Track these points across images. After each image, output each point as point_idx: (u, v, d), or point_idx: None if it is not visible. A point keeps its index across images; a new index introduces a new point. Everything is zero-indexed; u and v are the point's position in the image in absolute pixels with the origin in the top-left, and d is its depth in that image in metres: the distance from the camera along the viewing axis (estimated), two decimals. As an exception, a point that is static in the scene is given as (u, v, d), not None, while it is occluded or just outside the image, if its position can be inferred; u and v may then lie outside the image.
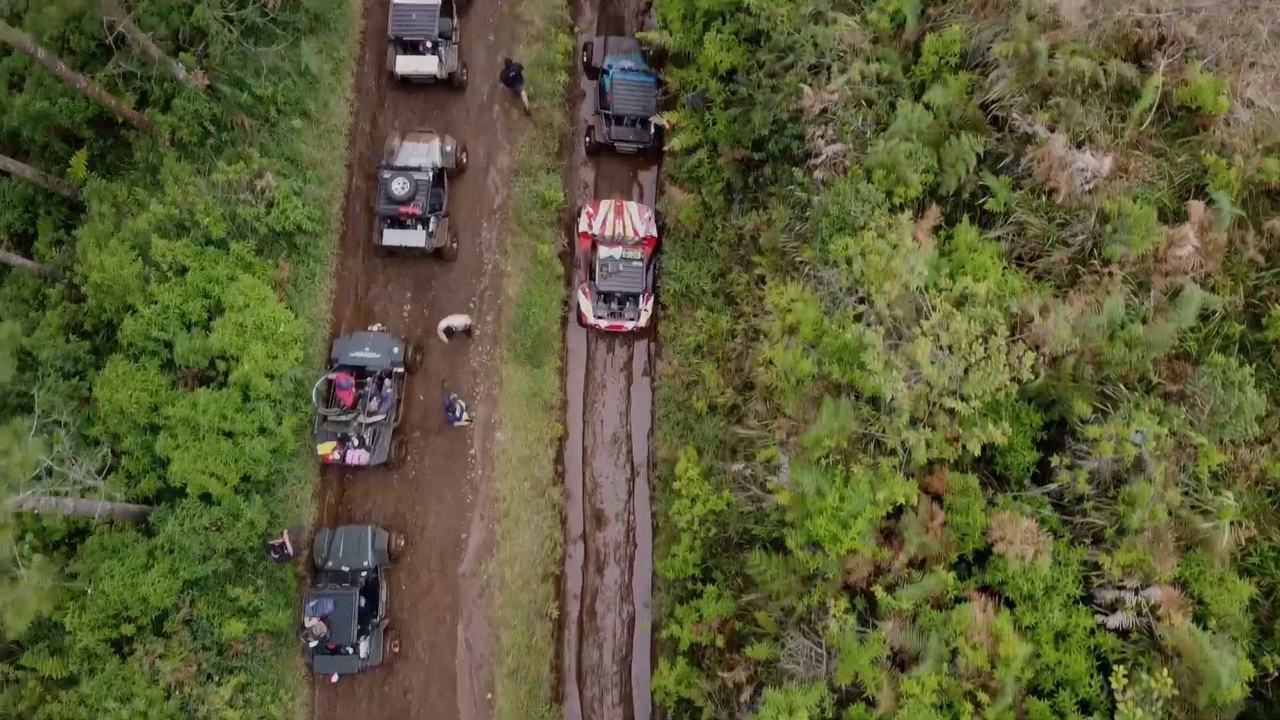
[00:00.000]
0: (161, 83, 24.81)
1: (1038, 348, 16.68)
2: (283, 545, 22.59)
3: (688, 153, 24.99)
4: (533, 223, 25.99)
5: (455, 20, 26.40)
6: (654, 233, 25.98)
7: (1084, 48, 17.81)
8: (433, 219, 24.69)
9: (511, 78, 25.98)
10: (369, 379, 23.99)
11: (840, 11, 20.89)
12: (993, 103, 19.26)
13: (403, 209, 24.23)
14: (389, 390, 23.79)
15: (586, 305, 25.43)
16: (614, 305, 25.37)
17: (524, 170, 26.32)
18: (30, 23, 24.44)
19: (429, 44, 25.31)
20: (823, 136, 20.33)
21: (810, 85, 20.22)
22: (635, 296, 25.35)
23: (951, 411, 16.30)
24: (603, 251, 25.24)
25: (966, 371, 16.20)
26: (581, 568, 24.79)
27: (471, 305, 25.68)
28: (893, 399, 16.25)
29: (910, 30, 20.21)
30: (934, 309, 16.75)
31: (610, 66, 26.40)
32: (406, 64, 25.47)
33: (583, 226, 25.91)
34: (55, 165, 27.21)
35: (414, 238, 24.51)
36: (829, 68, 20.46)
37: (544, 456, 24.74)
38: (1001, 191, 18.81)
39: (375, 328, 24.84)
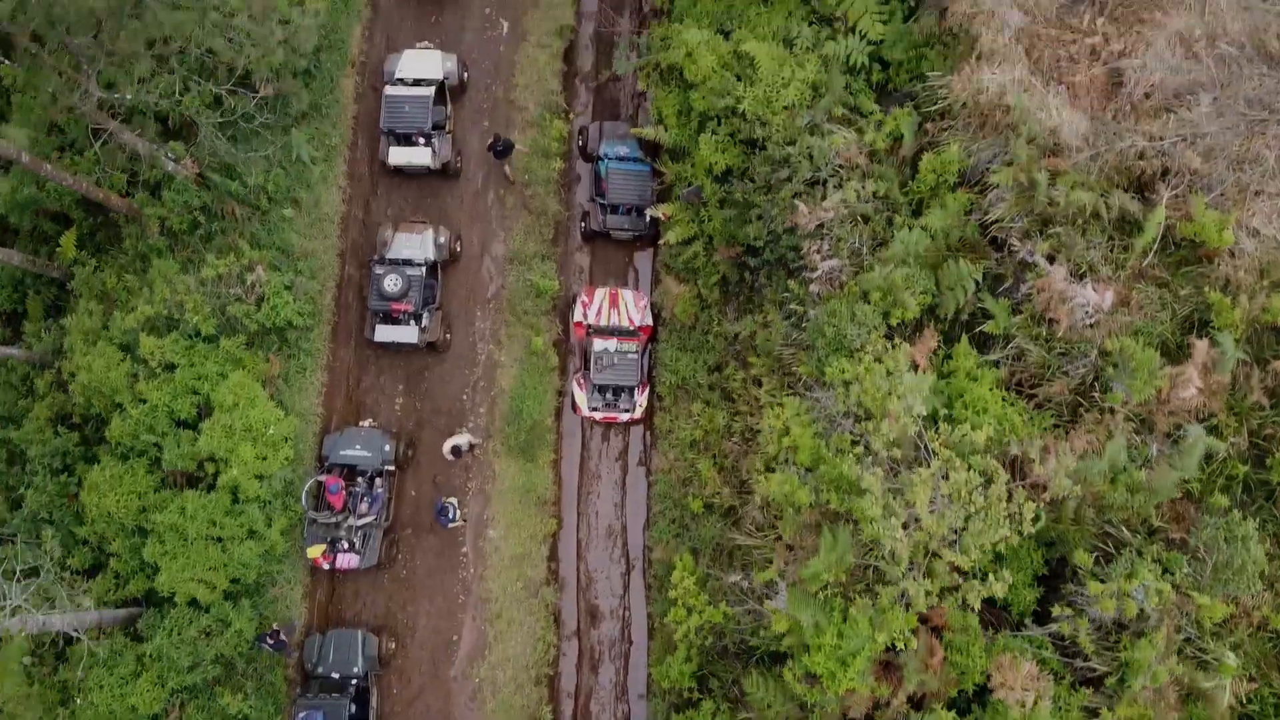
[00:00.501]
0: (151, 169, 24.51)
1: (1037, 489, 16.44)
2: (277, 633, 22.35)
3: (683, 244, 24.74)
4: (527, 312, 25.71)
5: (449, 107, 26.11)
6: (649, 321, 25.72)
7: (1085, 178, 17.60)
8: (425, 314, 24.39)
9: (499, 150, 25.77)
10: (359, 478, 23.68)
11: (837, 123, 20.65)
12: (992, 223, 19.02)
13: (395, 306, 23.94)
14: (380, 490, 23.49)
15: (581, 397, 25.16)
16: (609, 396, 25.10)
17: (519, 258, 26.04)
18: (18, 119, 24.14)
19: (422, 137, 25.00)
20: (818, 251, 20.09)
21: (806, 201, 19.97)
22: (631, 388, 25.08)
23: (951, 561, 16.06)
24: (597, 344, 24.97)
25: (967, 520, 15.95)
26: (576, 666, 24.50)
27: (464, 397, 25.39)
28: (892, 549, 16.00)
29: (908, 146, 19.98)
30: (934, 453, 16.50)
31: (606, 154, 26.14)
32: (399, 155, 25.17)
33: (577, 316, 25.66)
34: (44, 245, 26.92)
35: (406, 334, 24.22)
36: (824, 182, 20.22)
37: (537, 554, 24.44)
38: (1001, 316, 18.58)
39: (366, 423, 24.55)
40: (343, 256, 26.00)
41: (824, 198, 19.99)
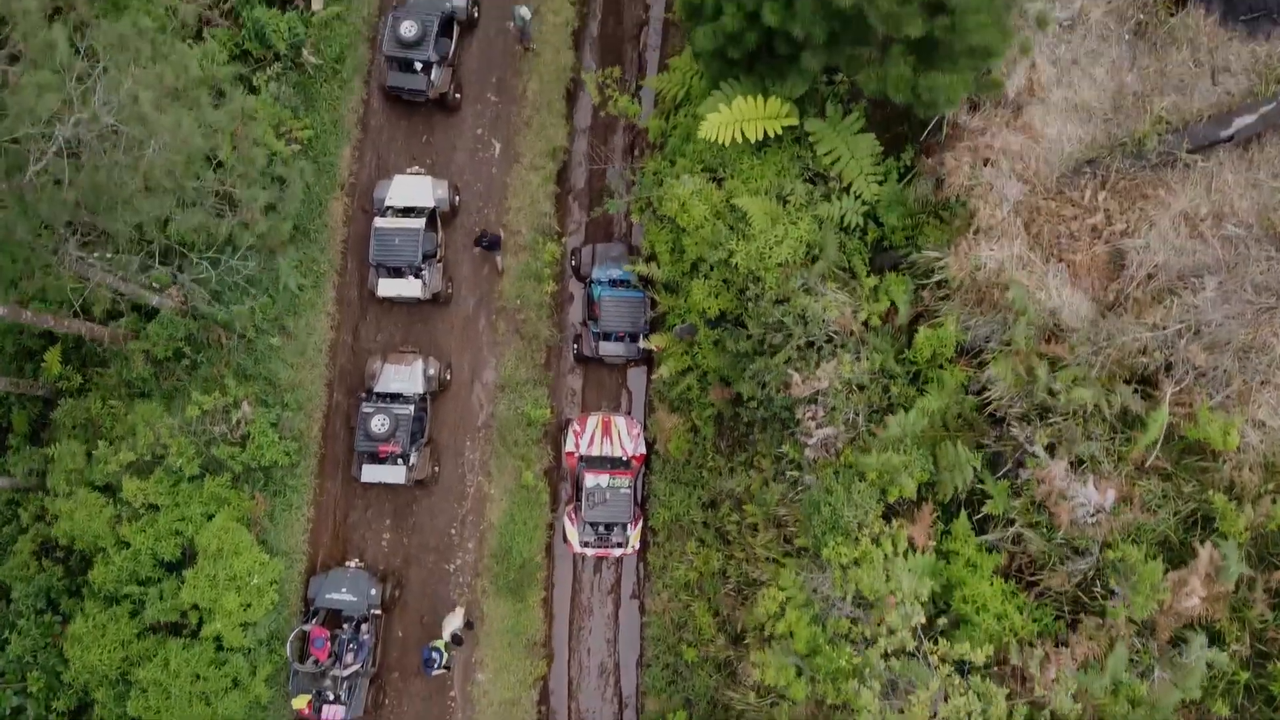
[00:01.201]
0: (133, 303, 24.13)
1: (1038, 706, 15.98)
2: None
3: (678, 375, 24.30)
4: (517, 442, 25.26)
5: (440, 234, 25.69)
6: (643, 450, 25.28)
7: (1085, 374, 17.14)
8: (413, 453, 23.95)
9: (486, 245, 25.47)
10: (345, 624, 23.23)
11: (831, 284, 20.21)
12: (991, 401, 18.57)
13: (382, 447, 23.49)
14: (365, 636, 23.03)
15: (572, 532, 24.69)
16: (601, 531, 24.63)
17: (510, 385, 25.60)
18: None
19: (412, 271, 24.58)
20: (813, 418, 19.64)
21: (800, 369, 19.52)
22: (623, 524, 24.62)
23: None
24: (589, 479, 24.51)
25: (965, 742, 15.50)
26: (566, 810, 24.08)
27: (453, 531, 24.94)
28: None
29: (903, 315, 19.53)
30: (934, 665, 16.05)
31: (598, 278, 25.71)
32: (389, 288, 24.71)
33: (568, 446, 25.21)
34: (29, 361, 26.54)
35: (393, 474, 23.79)
36: (819, 348, 19.77)
37: (526, 700, 23.98)
38: (1000, 498, 18.12)
39: (353, 563, 24.10)
40: (330, 386, 25.57)
41: (818, 363, 19.54)
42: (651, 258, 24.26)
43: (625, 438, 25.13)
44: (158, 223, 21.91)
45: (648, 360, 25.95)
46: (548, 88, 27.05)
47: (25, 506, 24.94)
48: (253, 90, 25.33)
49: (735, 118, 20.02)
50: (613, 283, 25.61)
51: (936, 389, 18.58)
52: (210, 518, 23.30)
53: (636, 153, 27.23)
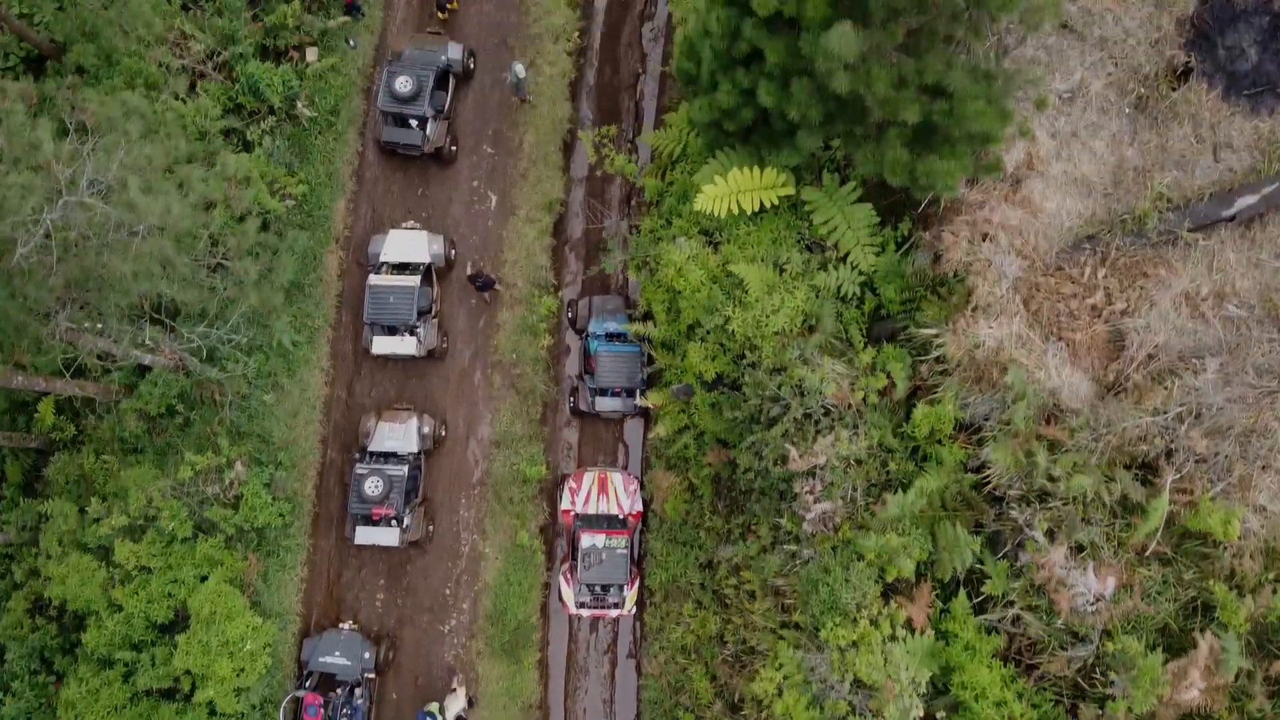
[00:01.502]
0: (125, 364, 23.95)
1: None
2: None
3: (676, 433, 24.09)
4: (513, 500, 25.07)
5: (435, 290, 25.49)
6: (639, 507, 25.08)
7: (1085, 460, 16.93)
8: (407, 515, 23.74)
9: (481, 284, 25.39)
10: (339, 687, 23.03)
11: (828, 355, 19.99)
12: (989, 480, 18.37)
13: (375, 510, 23.30)
14: (359, 701, 22.85)
15: (568, 593, 24.48)
16: (597, 591, 24.41)
17: (505, 442, 25.40)
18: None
19: (407, 329, 24.38)
20: (810, 492, 19.43)
21: (797, 443, 19.31)
22: (620, 584, 24.40)
23: None
24: (585, 540, 24.29)
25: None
26: None
27: (447, 591, 24.74)
28: None
29: (901, 390, 19.32)
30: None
31: (595, 331, 25.52)
32: (383, 345, 24.53)
33: (564, 504, 25.01)
34: (22, 412, 26.34)
35: (387, 536, 23.59)
36: (817, 421, 19.56)
37: (522, 763, 23.81)
38: (999, 579, 17.92)
39: (347, 625, 23.91)
40: (325, 442, 25.39)
41: (816, 437, 19.33)
42: (648, 316, 24.08)
43: (622, 494, 24.93)
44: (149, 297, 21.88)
45: (645, 412, 25.76)
46: (544, 140, 26.87)
47: (19, 562, 24.79)
48: (246, 145, 25.17)
49: (731, 189, 19.81)
50: (609, 336, 25.42)
51: (935, 467, 18.38)
52: (203, 579, 23.17)
53: (634, 202, 27.04)
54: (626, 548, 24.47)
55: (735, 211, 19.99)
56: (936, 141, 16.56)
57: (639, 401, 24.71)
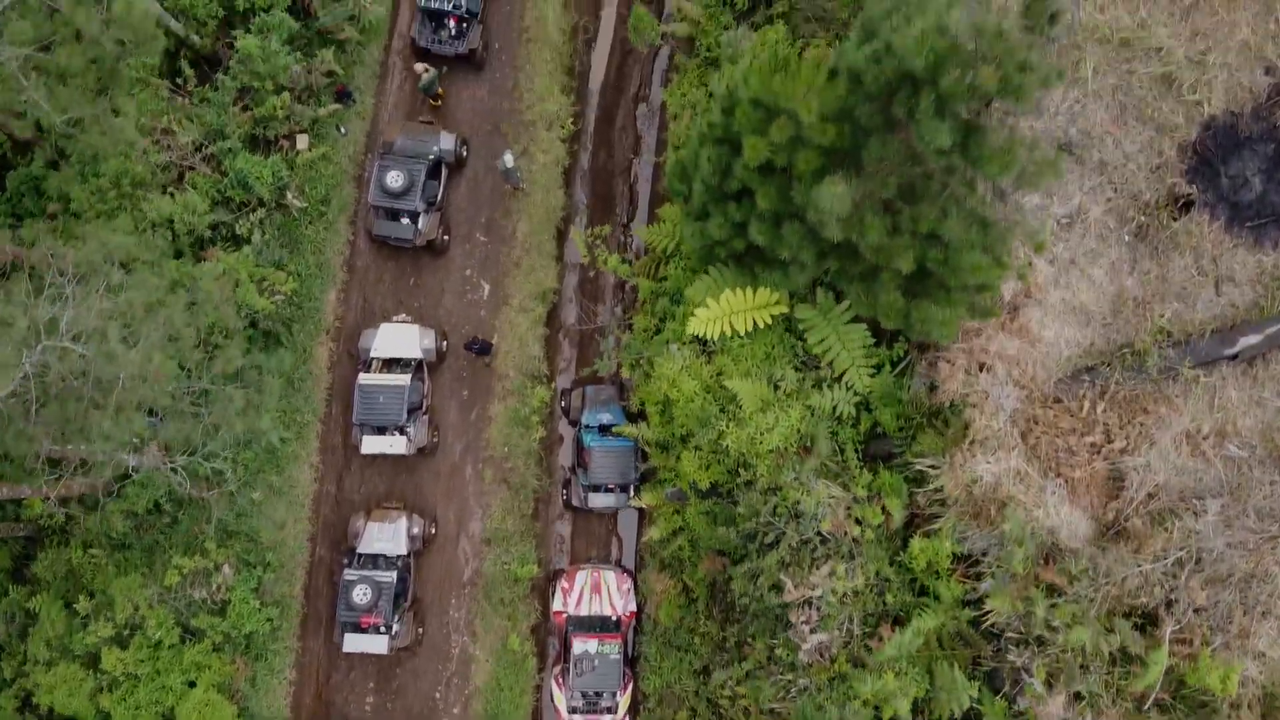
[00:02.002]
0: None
1: None
2: None
3: (671, 535, 23.76)
4: (504, 601, 24.72)
5: (427, 385, 25.17)
6: (633, 607, 24.76)
7: (1084, 612, 16.59)
8: (396, 622, 23.39)
9: (478, 350, 25.18)
10: (328, 798, 22.75)
11: (826, 479, 19.66)
12: (988, 617, 18.03)
13: (364, 618, 22.95)
14: (348, 812, 22.53)
15: (560, 698, 24.13)
16: (590, 696, 24.05)
17: (496, 539, 25.07)
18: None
19: (397, 429, 24.07)
20: (807, 622, 19.09)
21: (794, 571, 18.99)
22: (613, 690, 24.04)
23: None
24: (577, 646, 23.93)
25: None
26: None
27: (437, 695, 24.41)
28: None
29: (897, 520, 18.99)
30: None
31: (588, 423, 25.17)
32: (373, 445, 24.18)
33: (557, 605, 24.67)
34: (10, 500, 26.03)
35: (376, 644, 23.23)
36: (813, 549, 19.23)
37: None
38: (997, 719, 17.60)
39: (336, 732, 23.63)
40: (313, 540, 25.06)
41: (812, 566, 19.00)
42: (641, 414, 23.78)
43: (615, 594, 24.60)
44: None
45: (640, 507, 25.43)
46: (538, 228, 26.55)
47: (10, 656, 24.43)
48: (235, 238, 24.83)
49: (724, 311, 19.54)
50: (602, 429, 25.07)
51: (933, 604, 18.05)
52: (191, 685, 22.87)
53: (629, 287, 26.68)
54: (620, 653, 24.11)
55: (729, 333, 19.69)
56: (932, 286, 16.23)
57: (632, 502, 24.38)
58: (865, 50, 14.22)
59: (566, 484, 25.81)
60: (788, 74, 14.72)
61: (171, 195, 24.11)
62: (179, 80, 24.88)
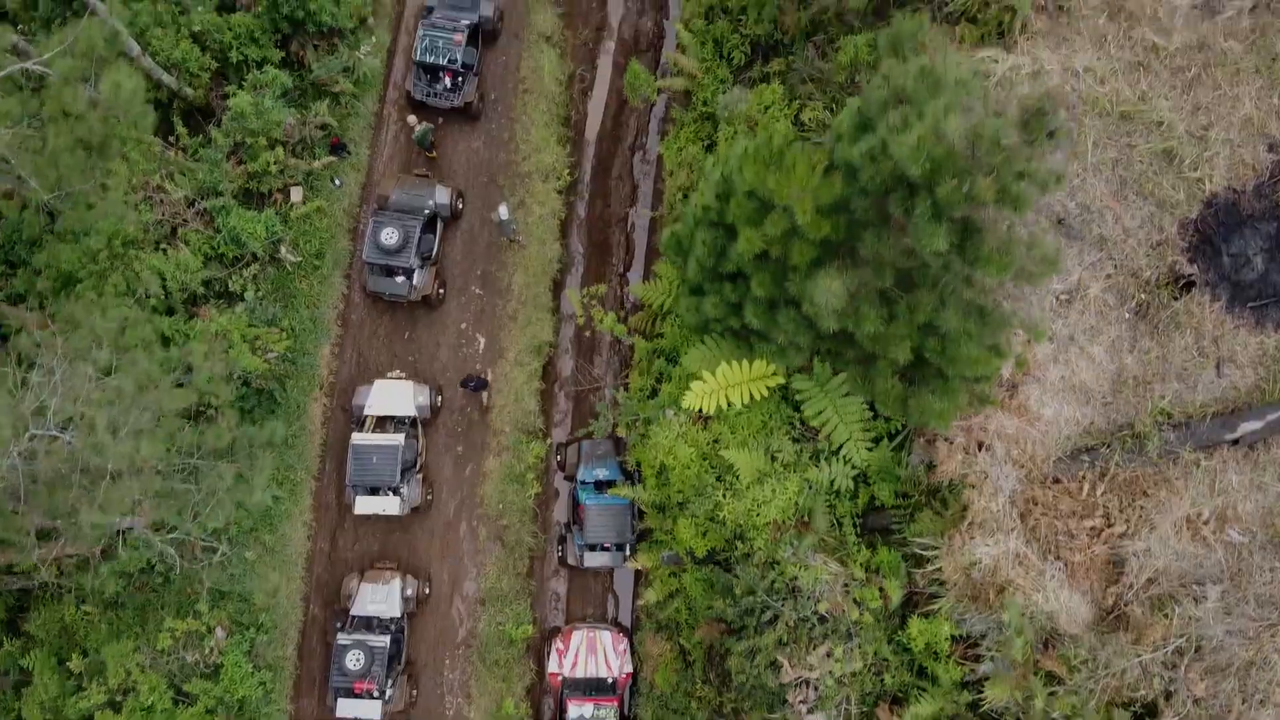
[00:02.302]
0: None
1: None
2: None
3: (667, 598, 23.54)
4: (499, 663, 24.50)
5: (421, 442, 24.96)
6: (629, 668, 24.51)
7: (1083, 704, 16.37)
8: (389, 687, 23.19)
9: (474, 387, 25.07)
10: None
11: (824, 553, 19.47)
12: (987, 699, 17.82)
13: (357, 683, 22.75)
14: None
15: (555, 761, 23.98)
16: (586, 757, 23.88)
17: (491, 598, 24.85)
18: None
19: (390, 489, 23.88)
20: (804, 702, 18.88)
21: (791, 651, 18.78)
22: (608, 752, 23.87)
23: None
24: (572, 710, 23.71)
25: None
26: None
27: (432, 757, 24.23)
28: None
29: (896, 600, 18.78)
30: None
31: (584, 479, 24.95)
32: (366, 506, 23.99)
33: (552, 667, 24.43)
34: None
35: (370, 709, 23.01)
36: (811, 627, 19.01)
37: None
38: (995, 807, 17.39)
39: (330, 799, 23.40)
40: (307, 600, 24.86)
41: (809, 646, 18.79)
42: (638, 472, 23.58)
43: (611, 655, 24.39)
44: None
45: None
46: (534, 281, 26.37)
47: (5, 712, 24.29)
48: (228, 294, 24.64)
49: (720, 385, 19.33)
50: (598, 485, 24.86)
51: (932, 688, 17.83)
52: (184, 751, 22.69)
53: (625, 344, 26.41)
54: (616, 716, 23.90)
55: (725, 407, 19.50)
56: (929, 375, 16.04)
57: (629, 563, 24.17)
58: (861, 146, 14.04)
59: (562, 540, 25.60)
60: (782, 170, 14.52)
61: (164, 252, 23.95)
62: (172, 138, 24.68)
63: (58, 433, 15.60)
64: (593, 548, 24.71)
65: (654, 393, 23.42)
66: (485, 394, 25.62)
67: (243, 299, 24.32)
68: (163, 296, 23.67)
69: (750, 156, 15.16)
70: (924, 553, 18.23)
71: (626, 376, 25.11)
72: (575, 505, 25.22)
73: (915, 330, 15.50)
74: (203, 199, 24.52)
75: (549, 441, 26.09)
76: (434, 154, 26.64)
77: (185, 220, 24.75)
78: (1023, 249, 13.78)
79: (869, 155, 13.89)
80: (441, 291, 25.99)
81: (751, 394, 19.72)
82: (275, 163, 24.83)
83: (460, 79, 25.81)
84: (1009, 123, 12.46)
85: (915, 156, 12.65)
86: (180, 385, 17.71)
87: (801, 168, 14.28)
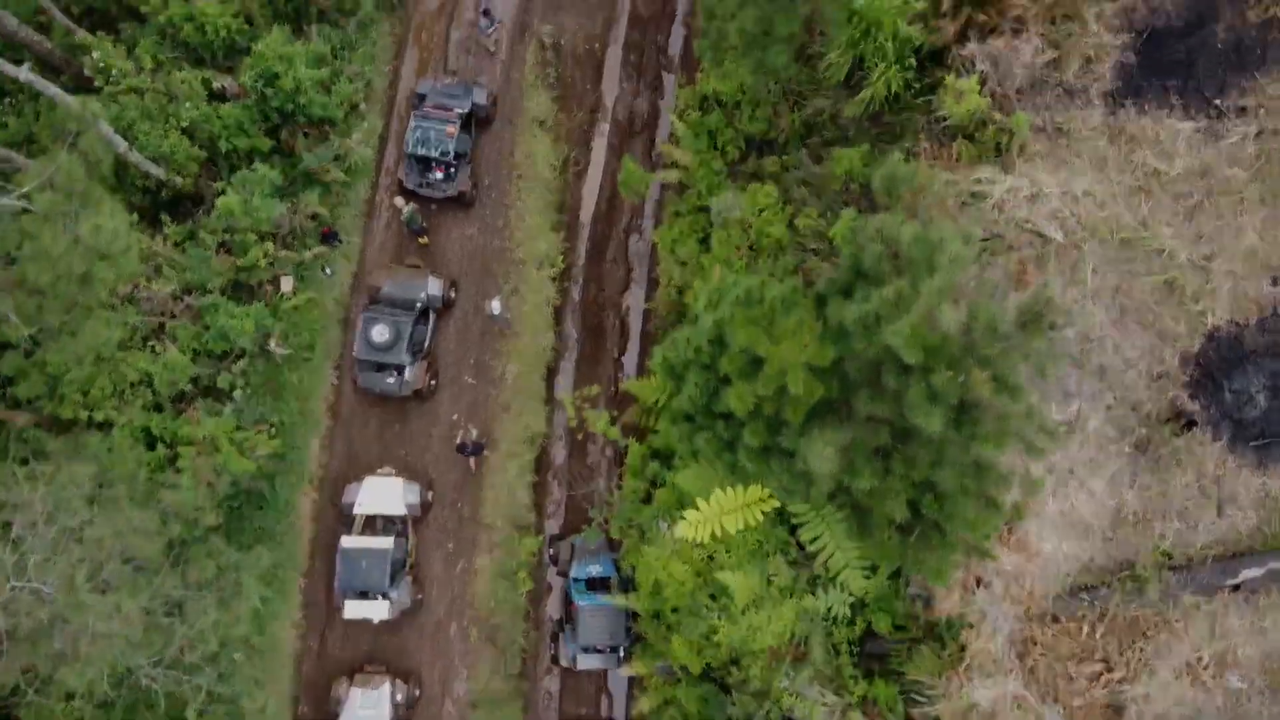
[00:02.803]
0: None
1: None
2: None
3: (661, 706, 23.19)
4: (491, 767, 24.24)
5: (411, 541, 24.64)
6: (621, 772, 24.24)
7: None
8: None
9: (470, 452, 24.91)
10: None
11: (820, 684, 19.14)
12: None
13: (347, 800, 22.49)
14: None
15: None
16: None
17: (482, 702, 24.54)
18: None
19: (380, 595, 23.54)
20: (798, 835, 18.56)
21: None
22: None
23: None
24: (564, 818, 23.46)
25: None
26: None
27: None
28: None
29: (893, 731, 18.48)
30: None
31: (577, 576, 24.61)
32: (355, 610, 23.62)
33: (544, 769, 24.17)
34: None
35: (360, 820, 22.75)
36: (806, 762, 18.70)
37: None
38: None
39: None
40: (297, 701, 24.53)
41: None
42: (632, 582, 23.24)
43: (603, 758, 24.09)
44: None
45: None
46: (527, 370, 26.06)
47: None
48: (216, 392, 24.28)
49: (714, 512, 18.96)
50: (590, 582, 24.52)
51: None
52: None
53: (619, 478, 25.95)
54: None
55: (719, 535, 19.15)
56: (926, 528, 15.69)
57: (623, 670, 23.85)
58: (854, 311, 13.72)
59: (554, 638, 25.26)
60: (773, 336, 14.20)
61: (152, 350, 23.64)
62: (160, 234, 24.33)
63: (39, 584, 15.27)
64: (586, 649, 24.37)
65: (648, 497, 23.08)
66: (476, 461, 25.34)
67: (231, 398, 23.99)
68: (150, 396, 23.38)
69: (742, 315, 14.84)
70: (920, 696, 17.89)
71: (620, 474, 24.75)
72: (568, 602, 24.88)
73: (912, 486, 15.18)
74: (190, 294, 24.18)
75: (541, 536, 25.75)
76: (426, 240, 26.32)
77: (173, 314, 24.43)
78: (1021, 422, 13.45)
79: (861, 323, 13.57)
80: (433, 383, 25.66)
81: (746, 520, 19.37)
82: (265, 256, 24.51)
83: (453, 169, 25.50)
84: (1005, 317, 12.13)
85: (909, 346, 12.33)
86: (164, 522, 17.33)
87: (793, 342, 13.96)
